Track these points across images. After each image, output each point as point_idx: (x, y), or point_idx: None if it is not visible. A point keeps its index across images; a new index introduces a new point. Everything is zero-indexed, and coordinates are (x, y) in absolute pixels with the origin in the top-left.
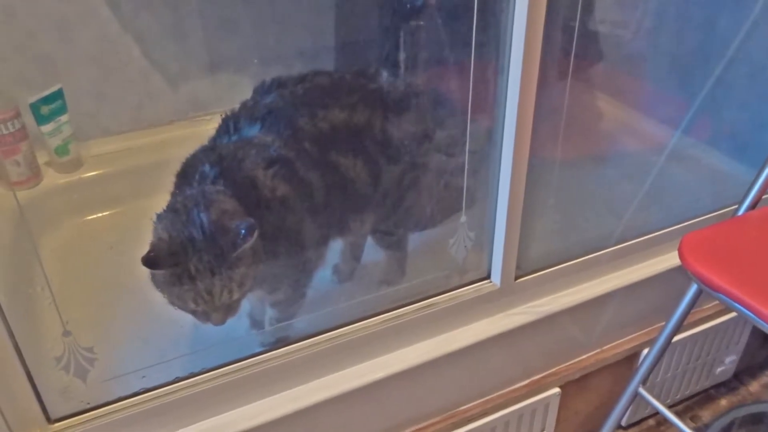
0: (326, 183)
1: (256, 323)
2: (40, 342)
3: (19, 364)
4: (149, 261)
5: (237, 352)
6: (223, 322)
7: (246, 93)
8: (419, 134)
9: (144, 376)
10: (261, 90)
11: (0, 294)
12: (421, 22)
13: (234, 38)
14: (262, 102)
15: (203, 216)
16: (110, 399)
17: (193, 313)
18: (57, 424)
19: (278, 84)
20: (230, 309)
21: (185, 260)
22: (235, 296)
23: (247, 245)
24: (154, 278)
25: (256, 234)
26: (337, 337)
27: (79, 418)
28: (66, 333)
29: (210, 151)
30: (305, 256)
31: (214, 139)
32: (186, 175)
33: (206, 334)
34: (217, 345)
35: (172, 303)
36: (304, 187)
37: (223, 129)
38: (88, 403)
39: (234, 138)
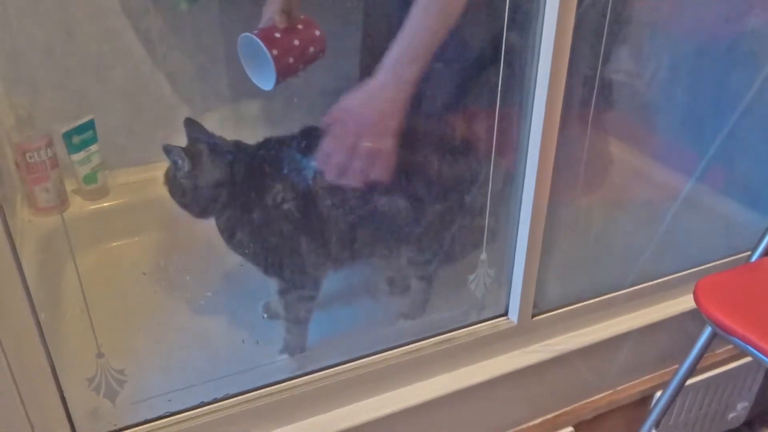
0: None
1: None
2: (71, 362)
3: (54, 384)
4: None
5: (259, 380)
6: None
7: (268, 129)
8: (471, 176)
9: (170, 400)
10: None
11: (41, 313)
12: (452, 70)
13: None
14: None
15: None
16: (136, 421)
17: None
18: None
19: None
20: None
21: None
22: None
23: None
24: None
25: None
26: (359, 367)
27: None
28: (99, 354)
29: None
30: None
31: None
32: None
33: (232, 360)
34: (241, 372)
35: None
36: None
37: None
38: (115, 425)
39: None
